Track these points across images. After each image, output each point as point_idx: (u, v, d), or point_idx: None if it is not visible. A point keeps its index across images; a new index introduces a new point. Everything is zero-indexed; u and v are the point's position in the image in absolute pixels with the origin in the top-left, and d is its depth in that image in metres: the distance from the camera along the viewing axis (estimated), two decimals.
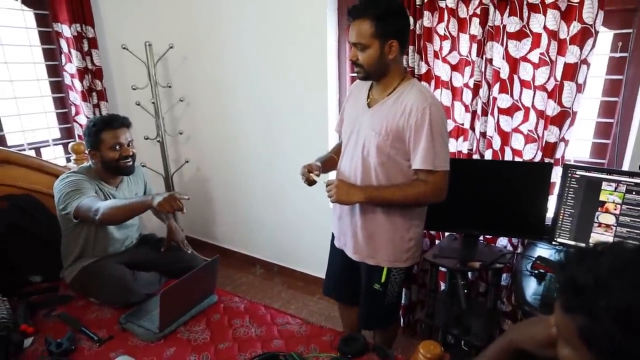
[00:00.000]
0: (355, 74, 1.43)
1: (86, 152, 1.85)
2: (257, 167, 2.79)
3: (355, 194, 1.37)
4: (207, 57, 2.75)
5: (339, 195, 1.37)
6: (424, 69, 1.92)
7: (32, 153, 2.27)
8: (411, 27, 1.85)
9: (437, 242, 2.09)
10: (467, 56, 1.83)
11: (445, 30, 1.84)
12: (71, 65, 2.33)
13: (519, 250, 1.87)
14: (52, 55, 2.39)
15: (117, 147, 1.76)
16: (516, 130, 1.78)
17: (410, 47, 1.89)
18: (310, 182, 1.48)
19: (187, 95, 2.93)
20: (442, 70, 1.89)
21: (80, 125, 2.44)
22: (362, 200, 1.38)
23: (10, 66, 2.21)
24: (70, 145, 2.15)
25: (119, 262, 1.83)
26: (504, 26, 1.69)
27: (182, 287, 1.56)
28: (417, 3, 1.83)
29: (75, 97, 2.40)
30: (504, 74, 1.73)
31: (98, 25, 2.44)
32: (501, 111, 1.78)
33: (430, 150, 1.32)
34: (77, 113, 2.43)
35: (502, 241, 1.95)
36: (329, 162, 1.64)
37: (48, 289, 1.85)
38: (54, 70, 2.42)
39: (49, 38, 2.36)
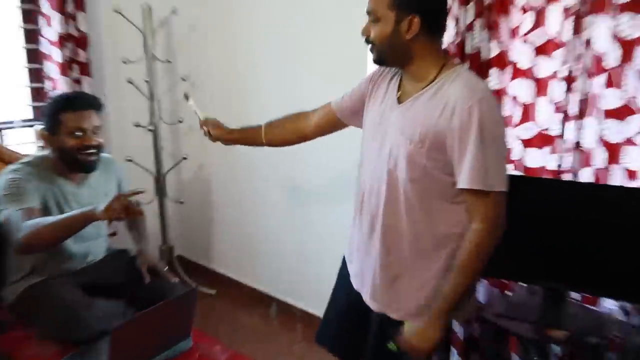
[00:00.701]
0: None
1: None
2: (275, 172, 2.75)
3: (432, 331, 1.34)
4: (218, 26, 2.80)
5: (420, 346, 1.35)
6: (494, 51, 1.80)
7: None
8: None
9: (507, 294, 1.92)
10: (557, 35, 1.67)
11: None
12: (51, 30, 2.44)
13: (635, 320, 1.67)
14: (29, 17, 2.52)
15: (78, 133, 1.77)
16: (629, 141, 1.60)
17: (477, 22, 1.78)
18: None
19: (191, 73, 2.97)
20: (521, 54, 1.75)
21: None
22: (441, 323, 1.35)
23: None
24: (35, 128, 2.23)
25: (76, 283, 1.82)
26: None
27: (144, 324, 1.52)
28: None
29: (52, 68, 2.50)
30: (613, 61, 1.56)
31: None
32: (607, 113, 1.61)
33: (480, 164, 1.22)
34: (54, 88, 2.53)
35: (607, 303, 1.74)
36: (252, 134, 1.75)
37: None
38: (32, 36, 2.54)
39: None
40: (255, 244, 2.98)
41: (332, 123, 1.67)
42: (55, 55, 2.47)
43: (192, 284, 2.99)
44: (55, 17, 2.40)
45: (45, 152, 1.89)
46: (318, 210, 2.60)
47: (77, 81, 2.55)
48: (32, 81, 2.60)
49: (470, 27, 1.81)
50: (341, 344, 1.70)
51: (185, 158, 3.00)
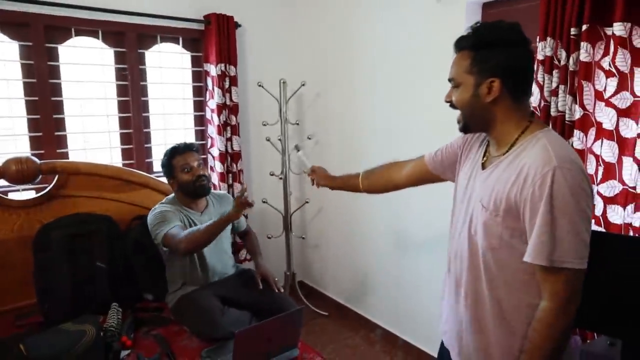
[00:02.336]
0: None
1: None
2: (382, 215, 2.83)
3: None
4: (338, 94, 3.00)
5: None
6: (578, 113, 1.71)
7: None
8: (562, 62, 1.71)
9: (583, 343, 1.75)
10: None
11: (611, 65, 1.62)
12: (213, 101, 2.85)
13: None
14: (199, 92, 2.98)
15: (187, 169, 2.12)
16: None
17: (561, 87, 1.73)
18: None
19: (316, 133, 3.23)
20: (605, 116, 1.66)
21: (213, 156, 2.94)
22: None
23: (165, 102, 2.85)
24: None
25: (215, 295, 2.09)
26: None
27: (260, 331, 1.69)
28: (572, 33, 1.68)
29: (212, 130, 2.91)
30: None
31: (240, 65, 2.95)
32: None
33: (546, 236, 1.03)
34: (211, 145, 2.94)
35: None
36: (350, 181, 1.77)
37: (155, 309, 2.23)
38: (199, 106, 3.00)
39: (199, 77, 2.96)
40: (362, 275, 3.05)
41: (423, 175, 1.57)
42: (214, 120, 2.86)
43: (303, 304, 3.13)
44: (216, 91, 2.81)
45: (172, 195, 2.25)
46: (415, 252, 2.61)
47: (229, 139, 2.91)
48: (197, 139, 3.03)
49: (554, 93, 1.77)
50: None
51: (307, 202, 3.22)
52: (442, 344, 1.46)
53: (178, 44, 2.85)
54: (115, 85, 2.67)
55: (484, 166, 1.23)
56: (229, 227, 2.26)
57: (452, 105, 1.23)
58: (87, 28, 2.51)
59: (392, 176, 1.67)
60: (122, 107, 2.71)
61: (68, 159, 2.54)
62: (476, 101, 1.15)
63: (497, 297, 1.17)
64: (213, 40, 2.77)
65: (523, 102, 1.17)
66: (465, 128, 1.24)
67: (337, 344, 2.87)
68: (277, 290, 2.19)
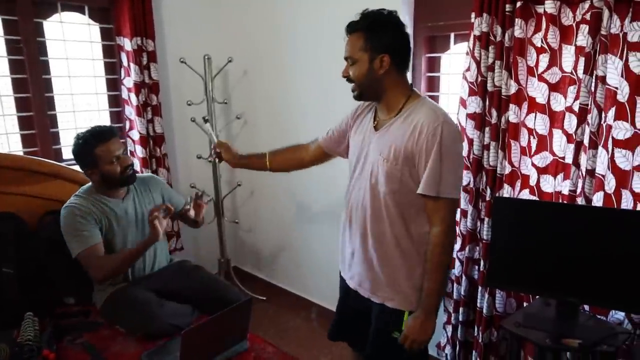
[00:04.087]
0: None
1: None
2: (317, 197, 2.75)
3: (425, 324, 1.39)
4: (267, 71, 2.83)
5: (419, 339, 1.40)
6: (513, 88, 1.75)
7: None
8: (498, 39, 1.72)
9: (524, 305, 1.84)
10: (571, 73, 1.63)
11: (543, 42, 1.66)
12: (129, 79, 2.53)
13: None
14: (112, 69, 2.63)
15: (114, 160, 1.83)
16: (638, 168, 1.53)
17: (497, 63, 1.74)
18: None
19: (244, 112, 3.03)
20: (537, 91, 1.71)
21: (133, 140, 2.62)
22: (433, 317, 1.40)
23: (72, 79, 2.46)
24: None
25: (150, 289, 1.88)
26: (624, 35, 1.48)
27: (208, 328, 1.53)
28: (507, 9, 1.68)
29: (130, 111, 2.59)
30: (623, 96, 1.50)
31: (159, 39, 2.63)
32: (617, 143, 1.54)
33: (435, 174, 1.30)
34: (130, 128, 2.62)
35: (617, 315, 1.65)
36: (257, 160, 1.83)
37: (80, 313, 1.95)
38: (113, 84, 2.65)
39: (111, 52, 2.60)
40: (296, 256, 2.98)
41: (321, 156, 1.76)
42: (132, 100, 2.54)
43: (245, 293, 3.00)
44: (132, 68, 2.49)
45: (90, 183, 1.94)
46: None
47: (150, 121, 2.61)
48: (113, 122, 2.69)
49: (491, 68, 1.78)
50: (346, 334, 1.77)
51: (239, 185, 3.04)
52: (344, 287, 1.66)
53: (84, 13, 2.46)
54: (7, 60, 2.24)
55: (376, 128, 1.44)
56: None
57: (349, 80, 1.43)
58: None
59: (298, 156, 1.82)
60: (18, 85, 2.29)
61: None
62: (371, 74, 1.36)
63: (396, 232, 1.41)
64: (125, 10, 2.43)
65: (404, 75, 1.41)
66: (360, 96, 1.44)
67: (278, 327, 2.78)
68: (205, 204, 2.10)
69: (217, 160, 1.92)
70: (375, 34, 1.33)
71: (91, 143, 1.81)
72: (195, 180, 2.88)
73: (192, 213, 2.05)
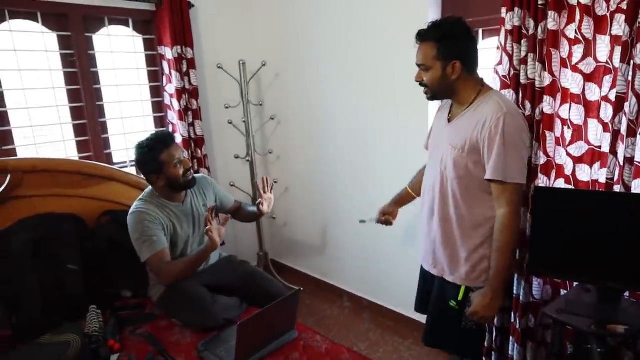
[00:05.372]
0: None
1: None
2: (348, 191, 2.77)
3: (492, 301, 1.48)
4: (299, 74, 2.85)
5: (487, 315, 1.50)
6: (547, 80, 1.71)
7: (134, 170, 2.56)
8: (530, 32, 1.69)
9: (561, 292, 1.82)
10: (606, 63, 1.59)
11: (576, 33, 1.62)
12: (171, 86, 2.59)
13: None
14: (155, 77, 2.70)
15: (178, 164, 1.87)
16: None
17: (530, 55, 1.72)
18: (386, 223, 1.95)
19: (278, 113, 3.06)
20: (572, 82, 1.67)
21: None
22: (500, 295, 1.50)
23: (120, 88, 2.54)
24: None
25: (202, 284, 1.93)
26: None
27: (261, 319, 1.57)
28: (540, 3, 1.65)
29: (172, 116, 2.66)
30: None
31: (197, 47, 2.69)
32: None
33: (501, 161, 1.39)
34: (173, 131, 2.68)
35: None
36: (405, 197, 1.94)
37: (136, 306, 2.02)
38: (156, 91, 2.72)
39: (153, 61, 2.67)
40: (331, 250, 3.01)
41: None
42: (174, 105, 2.61)
43: (284, 284, 3.04)
44: (174, 75, 2.55)
45: (149, 189, 1.97)
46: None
47: (191, 124, 2.68)
48: (157, 126, 2.76)
49: (523, 61, 1.75)
50: (420, 305, 1.86)
51: (275, 182, 3.08)
52: (421, 268, 1.80)
53: (128, 26, 2.53)
54: (62, 73, 2.33)
55: (449, 120, 1.57)
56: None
57: (422, 84, 1.53)
58: (23, 10, 2.14)
59: None
60: (73, 96, 2.38)
61: (16, 156, 2.19)
62: (445, 79, 1.48)
63: (461, 214, 1.53)
64: (166, 22, 2.48)
65: (475, 73, 1.52)
66: (433, 97, 1.56)
67: (316, 316, 2.81)
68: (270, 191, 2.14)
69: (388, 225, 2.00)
70: (447, 43, 1.43)
71: (157, 149, 1.84)
72: (234, 179, 2.94)
73: (264, 208, 2.10)
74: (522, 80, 1.76)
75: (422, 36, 1.49)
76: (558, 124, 1.75)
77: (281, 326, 1.71)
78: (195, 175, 2.14)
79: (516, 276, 1.93)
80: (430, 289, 1.73)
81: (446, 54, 1.44)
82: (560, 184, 1.79)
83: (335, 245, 2.96)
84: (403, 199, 1.96)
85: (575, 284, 1.75)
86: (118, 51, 2.52)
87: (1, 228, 1.84)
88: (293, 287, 3.06)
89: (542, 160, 1.80)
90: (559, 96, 1.73)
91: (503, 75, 1.81)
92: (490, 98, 1.46)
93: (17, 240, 1.81)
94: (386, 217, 1.96)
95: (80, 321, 1.76)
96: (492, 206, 1.49)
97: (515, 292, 1.94)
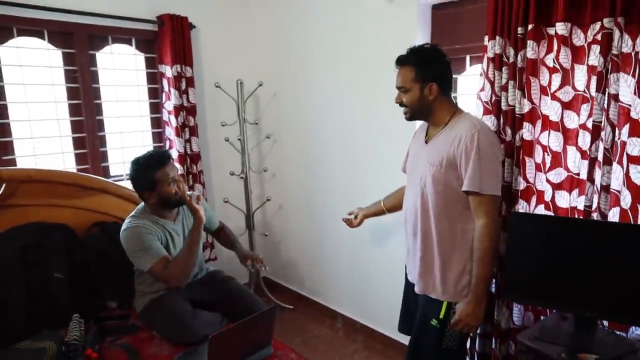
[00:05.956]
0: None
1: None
2: (341, 210, 2.75)
3: (476, 309, 1.52)
4: (295, 94, 2.90)
5: (471, 323, 1.53)
6: (527, 107, 1.73)
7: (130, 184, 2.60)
8: (511, 60, 1.71)
9: (541, 318, 1.79)
10: (584, 91, 1.60)
11: (555, 62, 1.64)
12: (169, 103, 2.66)
13: None
14: (155, 94, 2.77)
15: (171, 183, 1.90)
16: None
17: (510, 83, 1.74)
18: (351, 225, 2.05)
19: (274, 132, 3.11)
20: (550, 109, 1.68)
21: (172, 159, 2.74)
22: (483, 303, 1.54)
23: (120, 104, 2.62)
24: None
25: (185, 298, 1.94)
26: (637, 53, 1.45)
27: (234, 333, 1.57)
28: (519, 32, 1.68)
29: (170, 132, 2.71)
30: (636, 113, 1.47)
31: (196, 65, 2.76)
32: (632, 159, 1.49)
33: (476, 173, 1.45)
34: (170, 147, 2.74)
35: (638, 331, 1.58)
36: (376, 210, 2.03)
37: (121, 316, 2.03)
38: (155, 108, 2.79)
39: (154, 78, 2.75)
40: (323, 268, 2.99)
41: None
42: (172, 121, 2.67)
43: (274, 302, 3.03)
44: (173, 93, 2.62)
45: (141, 205, 1.99)
46: (376, 243, 2.58)
47: (188, 141, 2.73)
48: (155, 142, 2.83)
49: (504, 88, 1.77)
50: (404, 325, 1.88)
51: (269, 199, 3.11)
52: (406, 281, 1.84)
53: (131, 45, 2.62)
54: (65, 87, 2.41)
55: (427, 142, 1.64)
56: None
57: (401, 105, 1.62)
58: (31, 28, 2.24)
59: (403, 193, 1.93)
60: (74, 110, 2.46)
61: (15, 166, 2.26)
62: (422, 100, 1.57)
63: (441, 228, 1.57)
64: (168, 42, 2.57)
65: (449, 96, 1.60)
66: (411, 118, 1.65)
67: (304, 335, 2.79)
68: (264, 269, 2.16)
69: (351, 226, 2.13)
70: (424, 67, 1.52)
71: (152, 167, 1.87)
72: (228, 195, 2.97)
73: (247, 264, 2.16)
74: (503, 106, 1.78)
75: (401, 61, 1.58)
76: (538, 150, 1.76)
77: (256, 342, 1.70)
78: (187, 193, 2.17)
79: (497, 301, 1.91)
80: (414, 309, 1.73)
81: (424, 77, 1.53)
82: (541, 210, 1.78)
83: (329, 264, 2.95)
84: (374, 211, 2.04)
85: (554, 310, 1.73)
86: (120, 68, 2.60)
87: None
88: (285, 305, 3.06)
89: (522, 185, 1.80)
90: (538, 123, 1.74)
91: (485, 101, 1.83)
92: (464, 118, 1.55)
93: (7, 247, 1.85)
94: (349, 219, 2.09)
95: (61, 329, 1.78)
96: (471, 219, 1.53)
97: (495, 317, 1.91)
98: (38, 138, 2.37)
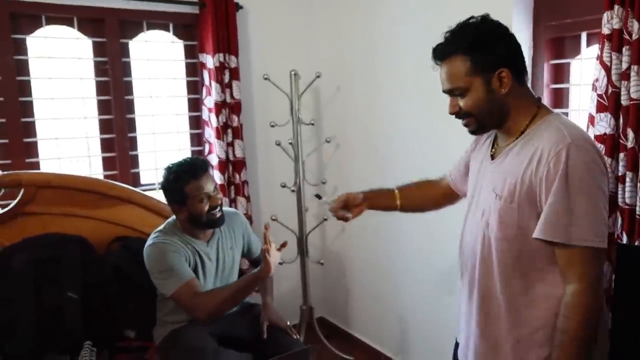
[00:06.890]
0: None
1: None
2: (424, 241, 2.73)
3: None
4: (364, 88, 2.96)
5: None
6: None
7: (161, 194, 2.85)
8: (634, 36, 1.61)
9: None
10: None
11: None
12: (210, 99, 2.86)
13: None
14: (194, 88, 3.02)
15: (205, 199, 2.03)
16: None
17: (633, 68, 1.63)
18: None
19: (336, 135, 3.20)
20: None
21: (212, 166, 2.93)
22: None
23: (154, 100, 2.90)
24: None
25: (210, 332, 2.08)
26: None
27: None
28: None
29: (210, 133, 2.92)
30: None
31: (243, 55, 2.96)
32: None
33: (561, 212, 1.20)
34: (209, 152, 2.94)
35: None
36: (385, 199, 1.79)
37: (138, 348, 2.24)
38: (195, 105, 3.03)
39: (194, 70, 3.00)
40: (397, 312, 2.96)
41: (451, 194, 1.76)
42: (212, 121, 2.86)
43: (322, 345, 3.06)
44: (214, 87, 2.81)
45: (172, 219, 2.16)
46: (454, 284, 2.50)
47: (230, 144, 2.91)
48: (193, 145, 3.06)
49: (625, 76, 1.67)
50: None
51: (326, 219, 3.15)
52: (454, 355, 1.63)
53: (168, 31, 2.90)
54: (94, 82, 2.73)
55: (492, 157, 1.42)
56: (238, 253, 2.28)
57: (461, 115, 1.39)
58: (60, 15, 2.59)
59: (434, 194, 1.84)
60: (103, 107, 2.77)
61: (39, 169, 2.60)
62: (492, 97, 1.32)
63: (508, 293, 1.33)
64: (209, 26, 2.79)
65: (526, 84, 1.38)
66: (479, 129, 1.41)
67: None
68: (292, 338, 2.18)
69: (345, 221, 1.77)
70: (482, 49, 1.30)
71: (182, 179, 2.01)
72: (278, 212, 3.08)
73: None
74: (624, 100, 1.69)
75: (442, 51, 1.36)
76: None
77: None
78: (227, 209, 2.28)
79: None
80: None
81: (485, 64, 1.30)
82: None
83: (402, 309, 2.91)
84: (380, 199, 1.80)
85: None
86: (156, 58, 2.89)
87: (6, 244, 2.19)
88: (343, 355, 3.08)
89: None
90: None
91: (599, 94, 1.74)
92: (548, 124, 1.29)
93: (19, 260, 2.14)
94: (345, 213, 1.72)
95: (68, 355, 2.01)
96: (558, 282, 1.28)
97: None
98: (63, 139, 2.71)
